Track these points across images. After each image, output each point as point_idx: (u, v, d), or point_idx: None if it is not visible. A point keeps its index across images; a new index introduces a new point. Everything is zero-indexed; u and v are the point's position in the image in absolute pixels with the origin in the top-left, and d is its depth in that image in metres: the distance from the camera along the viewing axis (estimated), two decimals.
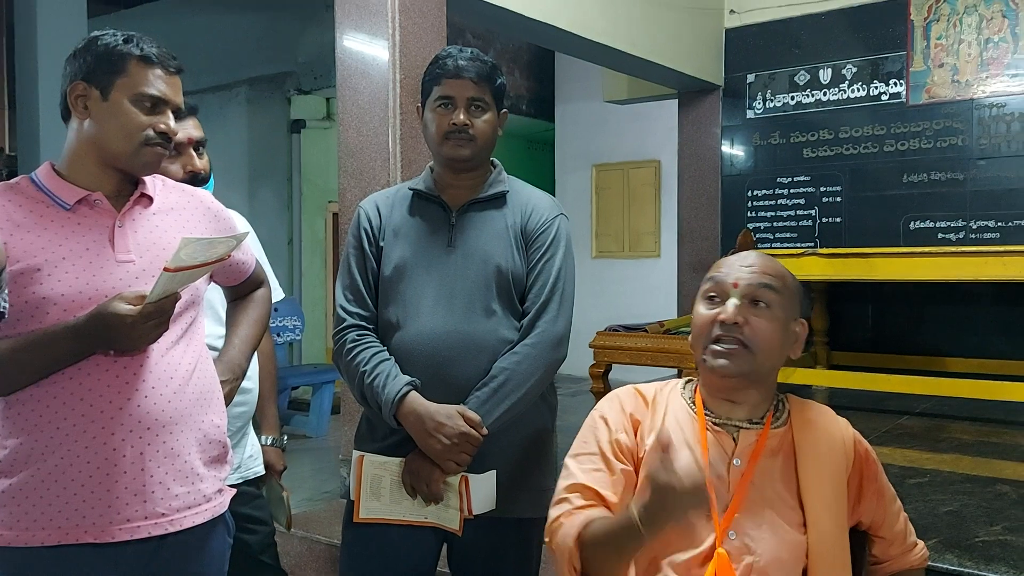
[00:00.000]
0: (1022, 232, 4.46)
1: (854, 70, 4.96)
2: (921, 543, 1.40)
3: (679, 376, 2.15)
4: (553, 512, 1.28)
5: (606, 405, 1.35)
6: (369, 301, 1.65)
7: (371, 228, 1.68)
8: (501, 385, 1.55)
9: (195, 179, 1.79)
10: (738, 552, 1.21)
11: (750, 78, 5.31)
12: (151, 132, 1.33)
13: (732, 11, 5.34)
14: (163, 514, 1.31)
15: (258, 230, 2.02)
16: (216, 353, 1.57)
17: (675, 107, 5.62)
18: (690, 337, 1.33)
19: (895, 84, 4.84)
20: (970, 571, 2.09)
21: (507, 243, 1.63)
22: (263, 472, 1.99)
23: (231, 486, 1.49)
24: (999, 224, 4.56)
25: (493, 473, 1.57)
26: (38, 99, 4.44)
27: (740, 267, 1.28)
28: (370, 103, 3.13)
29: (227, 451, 1.46)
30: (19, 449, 1.27)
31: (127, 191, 1.38)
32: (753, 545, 1.21)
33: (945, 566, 2.10)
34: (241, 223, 1.81)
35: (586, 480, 1.26)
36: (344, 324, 1.64)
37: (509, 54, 7.12)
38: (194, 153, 1.82)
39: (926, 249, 4.02)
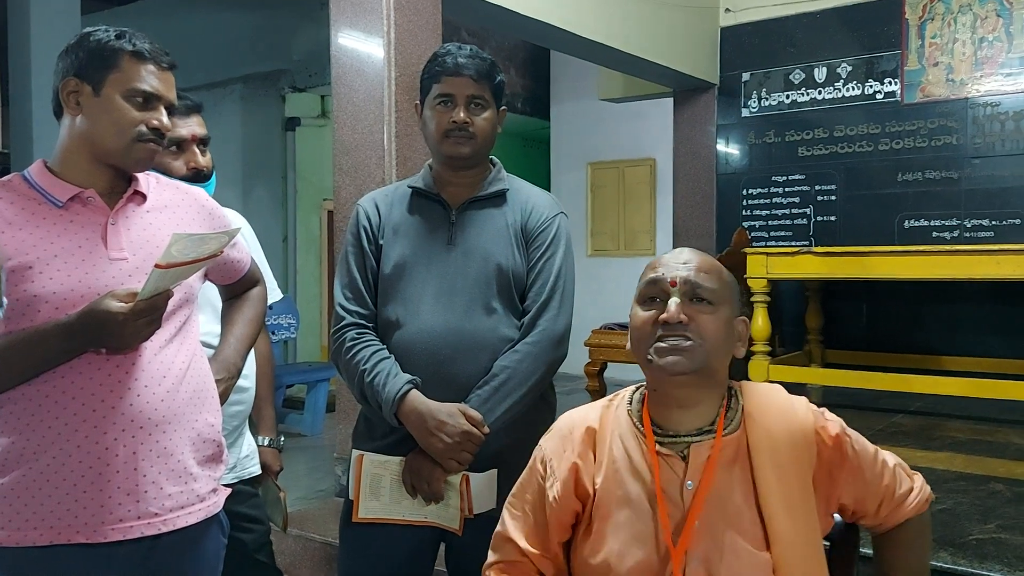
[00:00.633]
0: (1016, 231, 4.47)
1: (849, 69, 4.97)
2: (917, 485, 1.27)
3: None
4: (487, 561, 1.31)
5: (549, 447, 1.29)
6: (368, 299, 1.65)
7: (370, 226, 1.67)
8: (503, 383, 1.55)
9: (198, 176, 1.79)
10: None
11: (745, 76, 5.32)
12: (143, 128, 1.32)
13: (727, 9, 5.34)
14: (156, 514, 1.31)
15: (253, 228, 2.01)
16: (211, 351, 1.56)
17: (670, 105, 5.63)
18: (628, 342, 1.26)
19: (890, 83, 4.85)
20: (964, 569, 2.10)
21: (507, 241, 1.63)
22: (259, 472, 1.98)
23: (227, 485, 1.49)
24: (993, 223, 4.57)
25: (494, 472, 1.57)
26: (31, 97, 4.42)
27: (676, 264, 1.23)
28: (365, 101, 3.13)
29: (222, 450, 1.45)
30: (10, 448, 1.26)
31: (120, 188, 1.37)
32: (714, 573, 1.14)
33: (939, 564, 2.11)
34: (239, 222, 1.81)
35: (510, 530, 1.29)
36: (343, 322, 1.63)
37: (504, 52, 7.11)
38: (197, 150, 1.83)
39: (920, 248, 4.03)
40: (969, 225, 4.64)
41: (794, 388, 1.33)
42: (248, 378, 1.87)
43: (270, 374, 2.06)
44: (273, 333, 5.36)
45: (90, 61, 1.31)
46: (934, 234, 4.73)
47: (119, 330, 1.22)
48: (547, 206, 1.69)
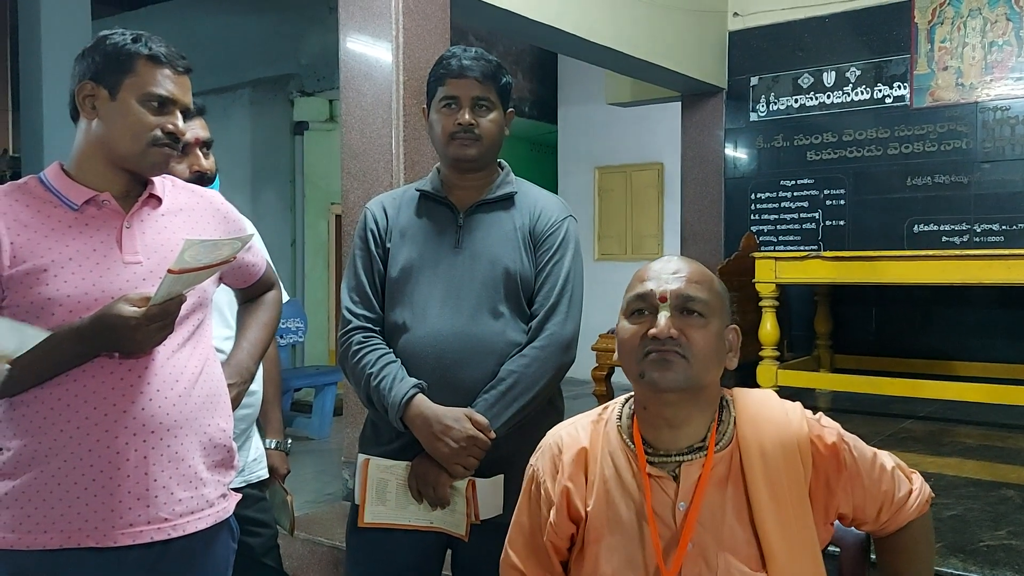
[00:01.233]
0: None
1: (858, 73, 4.95)
2: (916, 486, 1.24)
3: None
4: None
5: (541, 468, 1.27)
6: (375, 303, 1.64)
7: (378, 229, 1.67)
8: (509, 388, 1.54)
9: (201, 179, 1.79)
10: None
11: (753, 81, 5.30)
12: (159, 132, 1.33)
13: (736, 14, 5.33)
14: (166, 519, 1.31)
15: (261, 232, 2.01)
16: (222, 356, 1.56)
17: (678, 109, 5.62)
18: (616, 355, 1.23)
19: (899, 87, 4.83)
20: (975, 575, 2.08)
21: (515, 245, 1.62)
22: (267, 476, 1.98)
23: (235, 489, 1.48)
24: (1003, 227, 4.55)
25: (500, 478, 1.56)
26: (42, 101, 4.44)
27: (666, 276, 1.18)
28: (373, 105, 3.13)
29: (233, 455, 1.45)
30: (22, 451, 1.26)
31: (136, 192, 1.37)
32: None
33: (950, 571, 2.09)
34: (248, 227, 1.81)
35: (513, 557, 1.29)
36: (350, 326, 1.63)
37: (512, 56, 7.12)
38: (200, 153, 1.83)
39: (930, 252, 4.00)
40: (979, 230, 4.61)
41: (803, 393, 1.32)
42: (256, 381, 1.88)
43: (277, 377, 2.06)
44: (281, 337, 5.38)
45: (106, 65, 1.31)
46: (944, 239, 4.70)
47: (132, 334, 1.22)
48: (556, 209, 1.68)
